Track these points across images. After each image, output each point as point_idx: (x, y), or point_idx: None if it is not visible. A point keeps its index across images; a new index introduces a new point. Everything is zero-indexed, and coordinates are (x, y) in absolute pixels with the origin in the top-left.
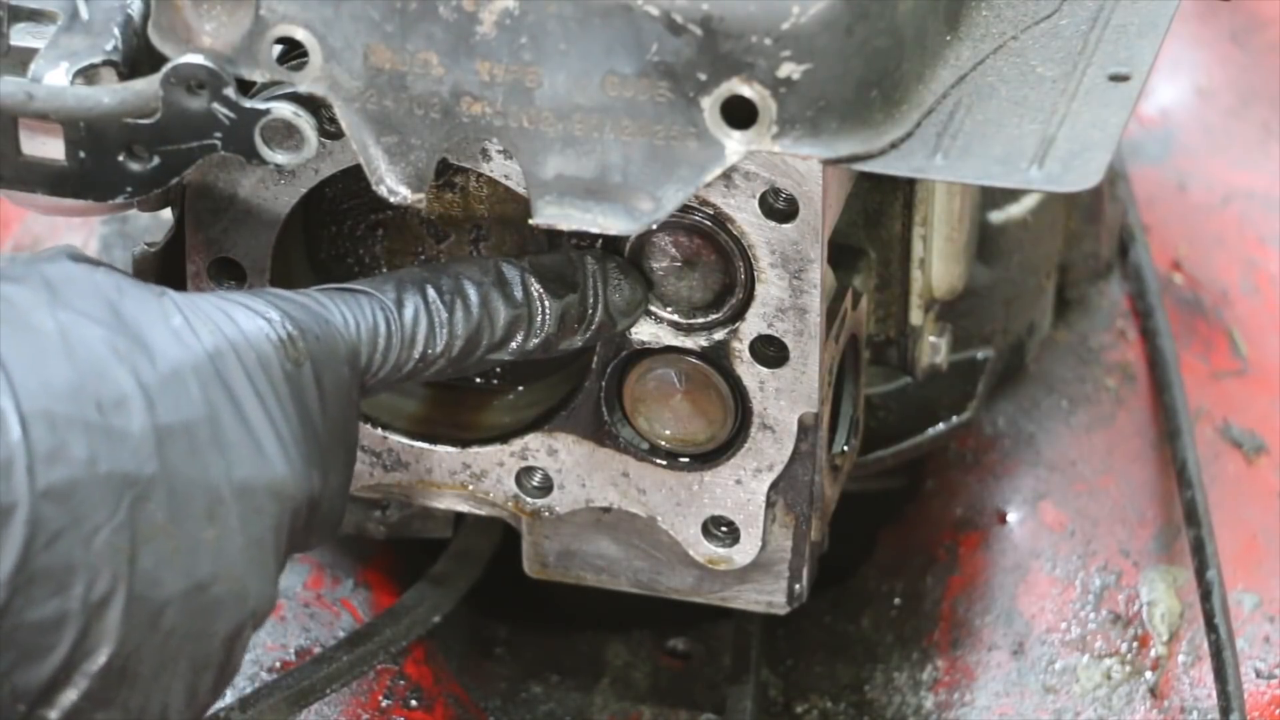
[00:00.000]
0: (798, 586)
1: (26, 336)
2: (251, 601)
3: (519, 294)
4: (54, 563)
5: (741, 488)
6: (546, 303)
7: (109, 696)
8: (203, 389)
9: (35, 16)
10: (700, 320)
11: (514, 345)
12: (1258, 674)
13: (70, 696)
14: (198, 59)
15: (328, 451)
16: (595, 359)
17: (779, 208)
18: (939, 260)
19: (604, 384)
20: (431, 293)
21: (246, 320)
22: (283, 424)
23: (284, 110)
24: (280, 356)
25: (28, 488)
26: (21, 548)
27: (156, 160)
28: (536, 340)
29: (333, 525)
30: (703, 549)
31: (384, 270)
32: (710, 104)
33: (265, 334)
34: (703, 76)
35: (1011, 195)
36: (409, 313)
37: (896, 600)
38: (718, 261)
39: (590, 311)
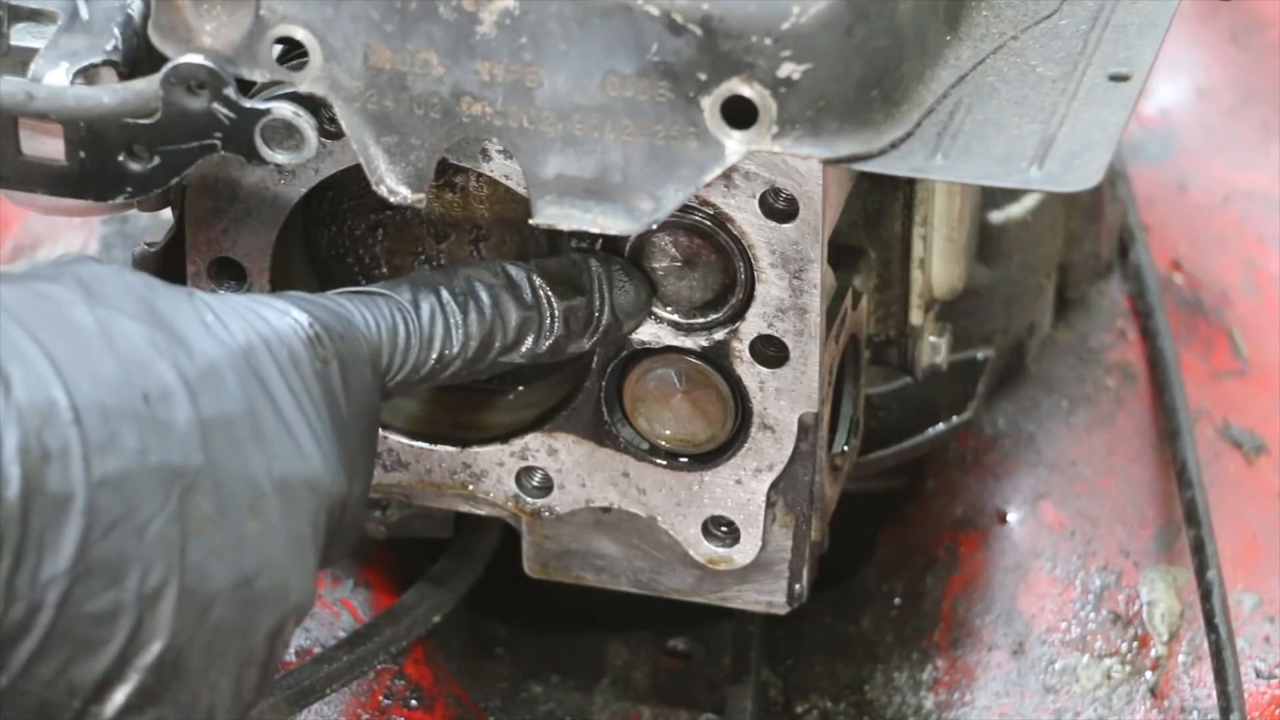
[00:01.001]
0: (798, 586)
1: (69, 331)
2: (294, 596)
3: (528, 296)
4: (110, 553)
5: (741, 488)
6: (555, 305)
7: (160, 692)
8: (240, 383)
9: (35, 16)
10: (700, 320)
11: (525, 348)
12: (1258, 674)
13: (124, 692)
14: (198, 59)
15: (355, 453)
16: (595, 359)
17: (779, 208)
18: (939, 260)
19: (604, 384)
20: (445, 294)
21: (276, 318)
22: (316, 421)
23: (284, 110)
24: (310, 354)
25: (84, 477)
26: (80, 537)
27: (156, 160)
28: (547, 342)
29: (356, 532)
30: (703, 549)
31: (384, 270)
32: (710, 104)
33: (295, 331)
34: (703, 76)
35: (1011, 195)
36: (425, 314)
37: (896, 600)
38: (718, 261)
39: (597, 314)
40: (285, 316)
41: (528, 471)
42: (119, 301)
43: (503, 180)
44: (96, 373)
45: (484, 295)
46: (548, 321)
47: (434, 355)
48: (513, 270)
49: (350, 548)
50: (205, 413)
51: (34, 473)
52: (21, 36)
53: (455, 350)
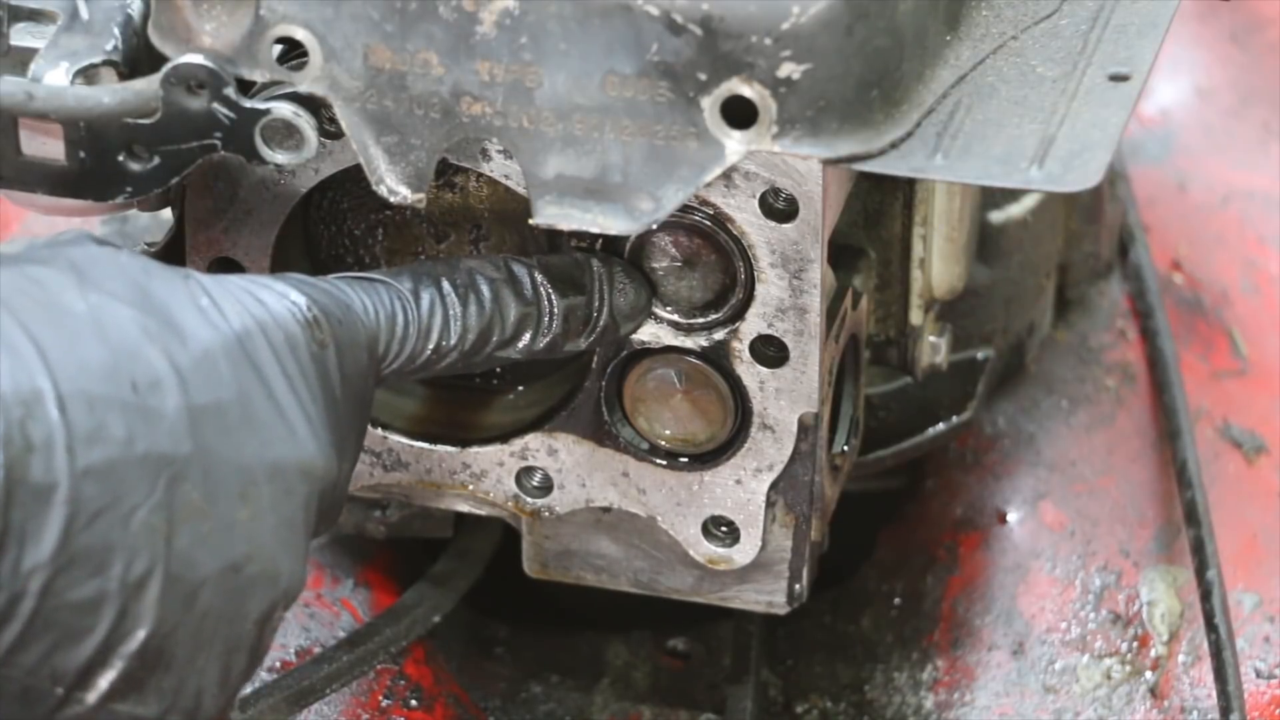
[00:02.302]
0: (798, 586)
1: (59, 318)
2: (284, 582)
3: (529, 292)
4: (94, 542)
5: (741, 488)
6: (555, 302)
7: (145, 678)
8: (233, 369)
9: (35, 16)
10: (700, 320)
11: (523, 343)
12: (1258, 674)
13: (107, 678)
14: (198, 59)
15: (345, 437)
16: (595, 359)
17: (779, 208)
18: (939, 260)
19: (604, 384)
20: (446, 285)
21: (273, 301)
22: (310, 405)
23: (284, 110)
24: (307, 337)
25: (68, 467)
26: (62, 527)
27: (156, 160)
28: (545, 339)
29: (339, 512)
30: (703, 549)
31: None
32: (710, 104)
33: (292, 314)
34: (703, 76)
35: (1011, 195)
36: (425, 303)
37: (896, 600)
38: (718, 261)
39: (595, 315)
40: (283, 299)
41: (528, 471)
42: (112, 286)
43: (503, 180)
44: (85, 361)
45: (484, 289)
46: (546, 319)
47: (431, 345)
48: (515, 265)
49: (332, 526)
50: (196, 400)
51: (17, 463)
52: (21, 36)
53: (452, 342)
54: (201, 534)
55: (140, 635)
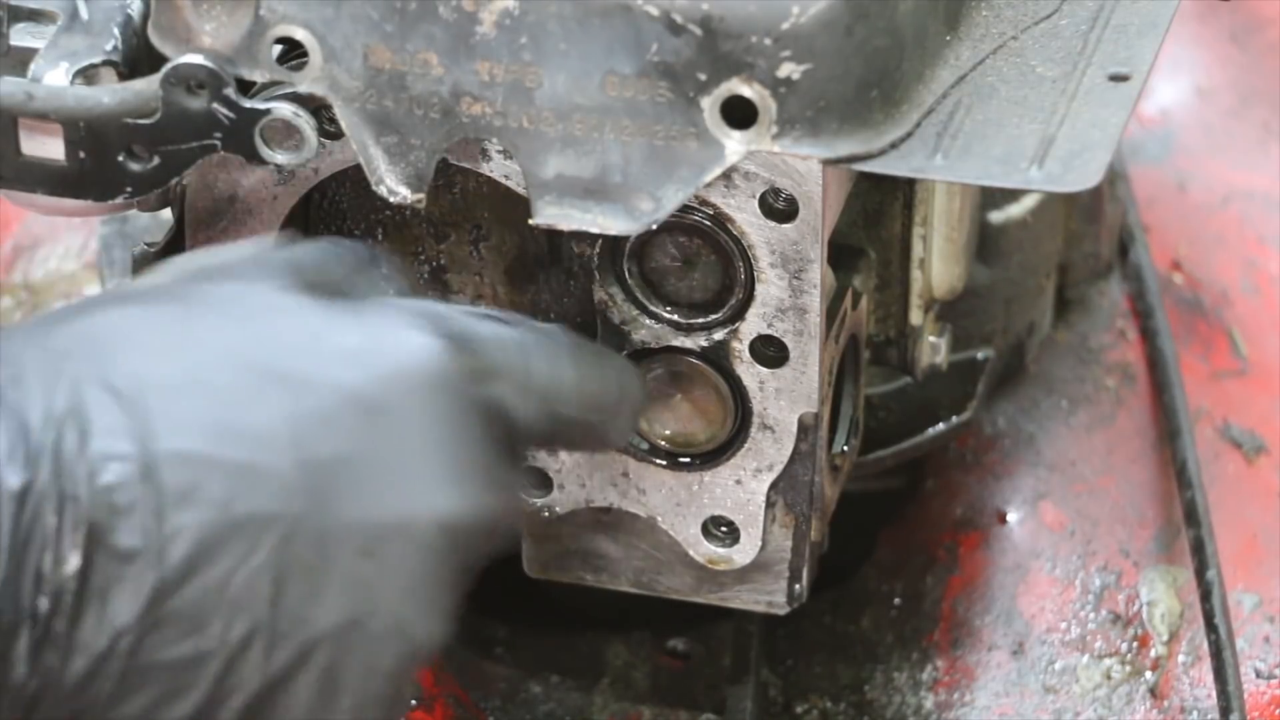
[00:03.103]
0: (798, 586)
1: (162, 362)
2: (418, 636)
3: None
4: (184, 605)
5: (741, 488)
6: None
7: None
8: (361, 418)
9: (35, 16)
10: (700, 320)
11: None
12: (1258, 674)
13: None
14: (198, 59)
15: (491, 475)
16: None
17: (779, 208)
18: (939, 260)
19: None
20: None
21: (411, 339)
22: (451, 451)
23: (284, 110)
24: (449, 377)
25: (156, 530)
26: (150, 591)
27: (156, 160)
28: None
29: (493, 548)
30: (703, 549)
31: None
32: (710, 104)
33: (430, 353)
34: (703, 76)
35: (1011, 195)
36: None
37: (896, 600)
38: (717, 261)
39: None
40: (420, 335)
41: (527, 471)
42: (230, 329)
43: (503, 180)
44: (185, 415)
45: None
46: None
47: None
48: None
49: (485, 563)
50: (315, 454)
51: (100, 527)
52: (21, 36)
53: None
54: (312, 591)
55: (249, 690)
